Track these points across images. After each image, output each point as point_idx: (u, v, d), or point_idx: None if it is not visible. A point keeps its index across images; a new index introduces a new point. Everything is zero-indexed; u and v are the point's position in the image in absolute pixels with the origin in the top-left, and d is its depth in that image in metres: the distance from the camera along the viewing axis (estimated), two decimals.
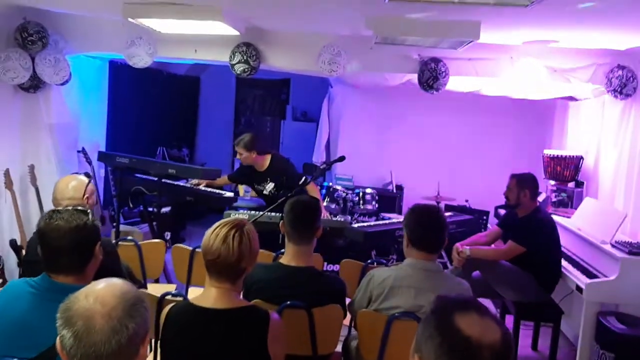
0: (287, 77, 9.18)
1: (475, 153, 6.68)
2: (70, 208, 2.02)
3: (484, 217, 6.35)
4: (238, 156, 4.59)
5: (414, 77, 4.63)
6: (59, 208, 2.03)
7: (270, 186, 4.66)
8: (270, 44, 4.58)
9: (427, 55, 4.49)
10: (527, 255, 3.81)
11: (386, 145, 6.79)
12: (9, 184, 4.37)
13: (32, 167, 4.65)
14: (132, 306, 1.29)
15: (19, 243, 4.17)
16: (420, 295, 2.41)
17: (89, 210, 2.03)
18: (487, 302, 4.72)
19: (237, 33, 4.05)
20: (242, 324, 1.89)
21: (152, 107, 7.81)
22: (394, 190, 6.52)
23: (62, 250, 1.89)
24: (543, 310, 3.88)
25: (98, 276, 2.59)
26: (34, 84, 4.53)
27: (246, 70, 4.48)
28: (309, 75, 5.49)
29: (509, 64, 4.48)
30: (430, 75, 4.39)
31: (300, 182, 4.22)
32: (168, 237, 6.10)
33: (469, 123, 6.65)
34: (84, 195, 2.73)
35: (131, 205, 5.82)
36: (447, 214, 5.27)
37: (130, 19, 3.68)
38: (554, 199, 4.85)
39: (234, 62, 4.48)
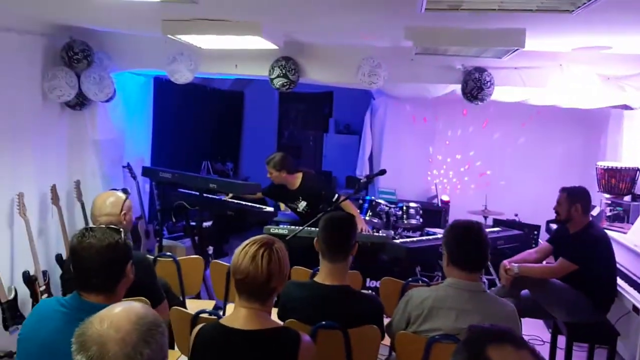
0: (330, 91, 9.16)
1: (525, 165, 6.45)
2: (103, 226, 2.01)
3: (535, 232, 6.09)
4: (269, 175, 4.55)
5: (459, 88, 4.50)
6: (93, 226, 2.02)
7: (302, 204, 4.60)
8: (309, 58, 4.56)
9: (471, 64, 4.36)
10: (579, 274, 3.60)
11: (431, 157, 6.65)
12: (55, 200, 4.47)
13: (78, 183, 4.75)
14: (148, 331, 1.24)
15: (64, 258, 4.25)
16: (461, 317, 2.28)
17: (121, 229, 2.01)
18: (538, 322, 4.53)
19: (275, 47, 4.04)
20: (273, 346, 1.82)
21: (196, 122, 7.92)
22: (439, 204, 6.36)
23: (93, 269, 1.87)
24: (597, 331, 3.64)
25: (132, 292, 2.60)
26: (80, 102, 4.64)
27: (285, 84, 4.46)
28: (351, 87, 5.44)
29: (559, 72, 4.30)
30: (475, 86, 4.25)
31: (334, 200, 4.13)
32: (210, 252, 6.16)
33: (517, 134, 6.43)
34: (121, 212, 2.74)
35: (174, 220, 5.88)
36: (495, 229, 5.07)
37: (169, 36, 3.71)
38: (608, 213, 4.60)
39: (273, 77, 4.47)
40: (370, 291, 3.62)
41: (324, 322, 2.35)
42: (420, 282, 3.21)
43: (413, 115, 6.60)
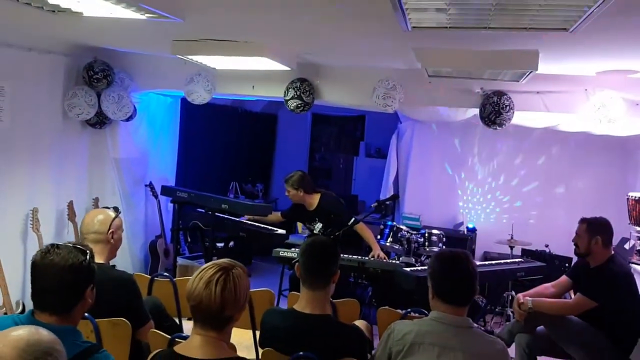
0: (362, 114, 9.10)
1: (557, 194, 6.17)
2: (70, 244, 1.96)
3: (566, 264, 5.79)
4: (287, 193, 4.52)
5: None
6: (59, 243, 1.97)
7: (318, 226, 4.53)
8: (324, 79, 4.52)
9: (490, 88, 4.21)
10: (599, 311, 3.35)
11: (458, 183, 6.45)
12: (71, 216, 4.53)
13: (96, 200, 4.82)
14: None
15: None
16: (444, 354, 2.12)
17: (88, 250, 1.94)
18: None
19: (287, 68, 4.01)
20: None
21: (226, 143, 7.98)
22: (465, 232, 6.14)
23: (51, 289, 1.82)
24: None
25: (114, 313, 2.57)
26: (100, 120, 4.73)
27: (299, 106, 4.42)
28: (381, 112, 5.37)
29: (584, 97, 4.09)
30: (493, 110, 4.09)
31: (350, 223, 4.03)
32: None
33: (548, 161, 6.17)
34: (109, 230, 2.71)
35: (189, 240, 5.88)
36: (516, 260, 4.84)
37: (179, 56, 3.74)
38: (639, 247, 4.30)
39: (287, 98, 4.45)
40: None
41: (301, 353, 2.24)
42: (419, 313, 3.04)
43: (440, 139, 6.44)
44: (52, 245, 1.93)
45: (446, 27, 2.35)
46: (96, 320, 2.51)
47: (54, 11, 2.54)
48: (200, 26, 3.23)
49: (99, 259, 2.71)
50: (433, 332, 2.17)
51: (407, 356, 2.17)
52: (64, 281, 1.83)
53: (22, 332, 1.25)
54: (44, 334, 1.28)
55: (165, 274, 3.45)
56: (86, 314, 2.45)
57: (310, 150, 9.60)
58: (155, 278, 3.35)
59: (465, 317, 2.21)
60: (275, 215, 4.87)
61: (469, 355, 2.10)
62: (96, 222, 2.71)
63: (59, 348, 1.26)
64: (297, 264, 2.38)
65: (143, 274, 3.39)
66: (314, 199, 4.54)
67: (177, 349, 1.80)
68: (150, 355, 1.84)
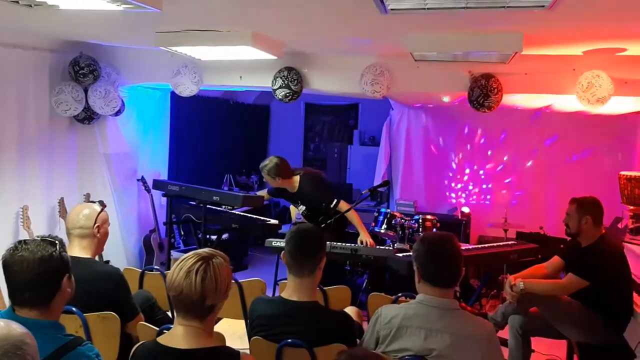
0: (356, 102, 9.08)
1: (550, 176, 6.16)
2: (38, 238, 1.92)
3: (561, 246, 5.79)
4: (265, 180, 4.49)
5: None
6: (27, 239, 1.93)
7: (302, 208, 4.50)
8: (313, 68, 4.49)
9: (478, 71, 4.18)
10: (591, 290, 3.35)
11: (451, 169, 6.44)
12: (63, 212, 4.52)
13: (87, 196, 4.81)
14: (3, 355, 1.18)
15: None
16: (431, 337, 2.12)
17: (57, 241, 1.91)
18: (556, 341, 4.24)
19: (274, 58, 3.98)
20: None
21: (219, 135, 7.96)
22: (460, 217, 6.14)
23: (25, 284, 1.80)
24: (611, 353, 3.37)
25: (102, 307, 2.56)
26: (88, 116, 4.70)
27: (288, 95, 4.40)
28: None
29: (572, 77, 4.06)
30: (481, 93, 4.07)
31: (332, 205, 4.01)
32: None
33: (541, 142, 6.15)
34: (94, 224, 2.70)
35: (182, 233, 5.88)
36: (509, 242, 4.83)
37: (163, 48, 3.71)
38: (631, 226, 4.30)
39: (275, 88, 4.42)
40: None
41: (289, 340, 2.24)
42: (410, 298, 3.04)
43: (432, 125, 6.42)
44: (20, 241, 1.90)
45: (424, 9, 2.32)
46: (85, 314, 2.51)
47: (30, 5, 2.51)
48: (182, 16, 3.20)
49: (85, 254, 2.71)
50: (419, 315, 2.17)
51: (395, 340, 2.17)
52: (37, 275, 1.81)
53: None
54: (14, 327, 1.27)
55: (156, 267, 3.44)
56: (74, 309, 2.45)
57: (305, 140, 9.58)
58: (146, 272, 3.35)
59: (451, 299, 2.21)
60: (264, 193, 4.86)
61: (456, 336, 2.10)
62: (82, 217, 2.70)
63: (29, 341, 1.25)
64: (283, 252, 2.38)
65: (134, 268, 3.38)
66: (294, 182, 4.48)
67: (161, 339, 1.80)
68: (134, 347, 1.84)
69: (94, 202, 2.91)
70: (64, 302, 1.90)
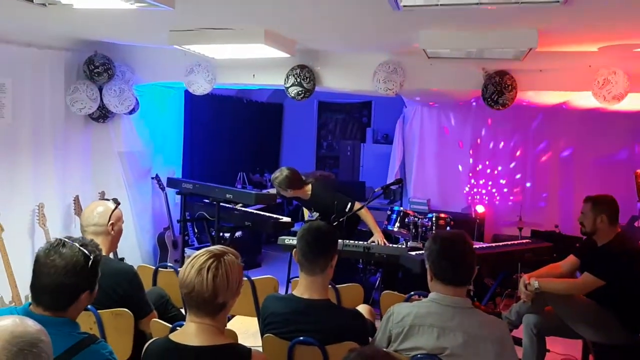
0: (369, 100, 9.06)
1: (566, 174, 6.09)
2: (78, 244, 1.88)
3: (577, 245, 5.73)
4: (277, 191, 4.50)
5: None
6: (67, 240, 1.92)
7: (316, 215, 4.51)
8: (325, 65, 4.48)
9: (492, 68, 4.15)
10: (607, 290, 3.31)
11: (465, 167, 6.39)
12: (78, 210, 4.56)
13: (102, 194, 4.84)
14: (19, 352, 1.18)
15: None
16: (444, 335, 2.11)
17: (97, 252, 1.90)
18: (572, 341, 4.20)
19: (287, 56, 3.98)
20: None
21: (232, 134, 7.99)
22: (473, 216, 6.09)
23: (46, 287, 1.80)
24: (627, 353, 3.33)
25: (116, 304, 2.58)
26: (103, 114, 4.74)
27: (300, 93, 4.39)
28: (388, 96, 5.32)
29: (588, 74, 4.01)
30: (495, 90, 4.04)
31: (347, 210, 4.01)
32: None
33: (558, 140, 6.08)
34: (109, 222, 2.72)
35: (196, 230, 5.90)
36: (523, 241, 4.80)
37: (177, 47, 3.73)
38: None
39: (288, 86, 4.42)
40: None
41: (301, 338, 2.25)
42: (423, 296, 3.02)
43: (447, 122, 6.38)
44: (60, 241, 1.88)
45: (437, 5, 2.31)
46: (99, 311, 2.54)
47: (44, 4, 2.53)
48: (195, 15, 3.21)
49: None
50: (432, 314, 2.16)
51: (407, 338, 2.17)
52: (60, 284, 1.80)
53: (6, 323, 1.26)
54: (29, 324, 1.28)
55: (169, 264, 3.47)
56: (88, 306, 2.47)
57: (318, 138, 9.58)
58: (160, 269, 3.37)
59: (464, 297, 2.19)
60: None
61: (469, 335, 2.09)
62: (96, 215, 2.72)
63: (45, 339, 1.26)
64: (294, 250, 2.37)
65: (147, 265, 3.41)
66: (307, 191, 4.49)
67: (173, 336, 1.81)
68: (147, 344, 1.85)
69: (108, 199, 2.92)
70: (80, 310, 1.90)
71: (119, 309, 2.56)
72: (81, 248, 1.87)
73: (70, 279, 1.82)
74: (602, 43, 3.55)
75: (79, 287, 1.85)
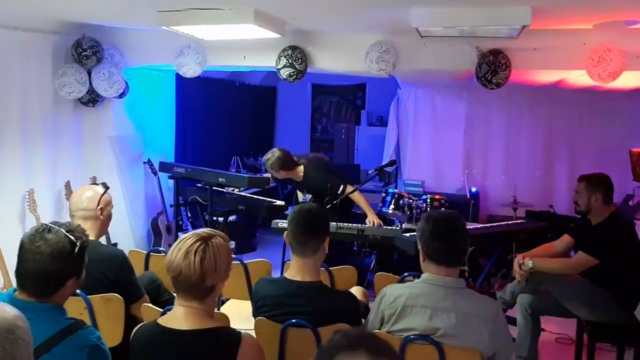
0: (363, 82, 8.99)
1: (561, 154, 6.07)
2: (63, 229, 1.84)
3: (572, 224, 5.73)
4: (269, 172, 4.46)
5: None
6: (52, 226, 1.87)
7: (309, 197, 4.48)
8: (317, 46, 4.42)
9: (486, 47, 4.09)
10: (601, 268, 3.30)
11: (459, 147, 6.36)
12: (69, 196, 4.51)
13: (94, 179, 4.79)
14: None
15: None
16: (437, 316, 2.09)
17: (82, 238, 1.87)
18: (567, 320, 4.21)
19: (278, 36, 3.92)
20: (209, 347, 1.71)
21: (225, 117, 7.92)
22: (468, 196, 6.08)
23: (30, 273, 1.77)
24: (622, 331, 3.33)
25: (106, 289, 2.56)
26: (93, 98, 4.67)
27: (292, 74, 4.34)
28: (382, 78, 5.26)
29: (583, 51, 3.96)
30: (489, 69, 3.99)
31: (339, 192, 3.98)
32: (232, 247, 6.13)
33: (552, 119, 6.06)
34: (97, 206, 2.68)
35: (189, 215, 5.87)
36: (517, 221, 4.78)
37: (164, 27, 3.66)
38: None
39: (279, 67, 4.36)
40: None
41: (293, 320, 2.23)
42: (416, 278, 3.01)
43: (441, 103, 6.34)
44: (45, 227, 1.84)
45: None
46: (89, 296, 2.51)
47: None
48: None
49: (89, 236, 2.69)
50: (424, 294, 2.14)
51: (400, 319, 2.15)
52: (45, 270, 1.77)
53: None
54: (6, 310, 1.25)
55: (161, 248, 3.44)
56: (78, 291, 2.44)
57: (312, 121, 9.52)
58: (152, 253, 3.34)
59: (457, 277, 2.17)
60: (270, 175, 4.83)
61: (461, 315, 2.08)
62: (84, 199, 2.68)
63: (22, 325, 1.23)
64: (285, 232, 2.35)
65: (139, 250, 3.38)
66: (299, 172, 4.46)
67: (161, 320, 1.79)
68: (135, 329, 1.82)
69: (97, 184, 2.88)
70: (67, 297, 1.87)
71: (109, 294, 2.54)
72: (67, 234, 1.84)
73: (55, 266, 1.78)
74: (597, 20, 3.51)
75: (64, 274, 1.81)
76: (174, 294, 3.26)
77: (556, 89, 5.31)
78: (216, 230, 1.83)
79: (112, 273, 2.57)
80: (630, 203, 4.85)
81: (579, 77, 4.57)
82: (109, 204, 2.77)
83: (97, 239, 2.74)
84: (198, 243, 1.73)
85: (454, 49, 4.18)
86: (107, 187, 2.79)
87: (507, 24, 3.15)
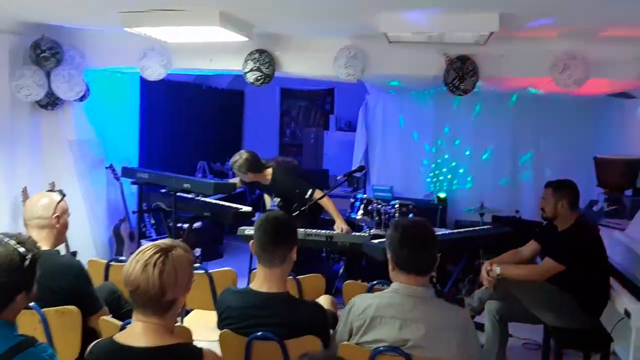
0: (332, 87, 8.97)
1: (527, 159, 6.13)
2: (13, 241, 1.74)
3: (537, 230, 5.79)
4: (237, 175, 4.39)
5: None
6: (1, 236, 1.75)
7: (277, 200, 4.41)
8: (285, 50, 4.36)
9: (454, 53, 4.09)
10: (568, 275, 3.32)
11: (427, 153, 6.37)
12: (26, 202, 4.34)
13: (53, 185, 4.61)
14: None
15: None
16: (406, 327, 2.05)
17: (34, 251, 1.76)
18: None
19: (244, 39, 3.84)
20: None
21: (192, 121, 7.78)
22: (436, 202, 6.09)
23: None
24: (588, 337, 3.36)
25: (62, 300, 2.44)
26: (52, 101, 4.51)
27: (259, 78, 4.26)
28: (351, 83, 5.22)
29: (548, 59, 3.99)
30: (456, 76, 3.99)
31: (307, 197, 3.93)
32: (198, 254, 6.00)
33: (519, 125, 6.11)
34: (53, 214, 2.56)
35: (153, 221, 5.73)
36: (484, 227, 4.81)
37: (128, 29, 3.55)
38: (606, 209, 4.29)
39: (246, 71, 4.29)
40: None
41: (259, 333, 2.15)
42: (385, 285, 2.96)
43: (409, 109, 6.34)
44: None
45: None
46: (44, 309, 2.39)
47: None
48: None
49: (45, 246, 2.56)
50: (394, 305, 2.09)
51: (369, 330, 2.10)
52: None
53: None
54: None
55: (122, 257, 3.31)
56: (32, 304, 2.32)
57: (280, 125, 9.46)
58: (112, 262, 3.21)
59: (426, 287, 2.13)
60: (237, 181, 4.73)
61: (431, 326, 2.04)
62: (39, 207, 2.56)
63: None
64: (252, 241, 2.27)
65: (98, 259, 3.25)
66: (267, 175, 4.40)
67: (118, 337, 1.69)
68: (90, 346, 1.72)
69: (55, 190, 2.76)
70: (17, 312, 1.76)
71: (65, 306, 2.42)
72: (17, 246, 1.73)
73: (3, 281, 1.68)
74: (563, 28, 3.54)
75: (14, 288, 1.71)
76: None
77: (522, 94, 5.37)
78: (177, 241, 1.74)
79: (68, 284, 2.45)
80: (594, 208, 4.90)
81: (544, 84, 4.62)
82: (65, 211, 2.65)
83: (53, 248, 2.62)
84: (157, 255, 1.64)
85: (422, 54, 4.16)
86: (63, 195, 2.67)
87: (475, 30, 3.15)
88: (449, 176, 6.36)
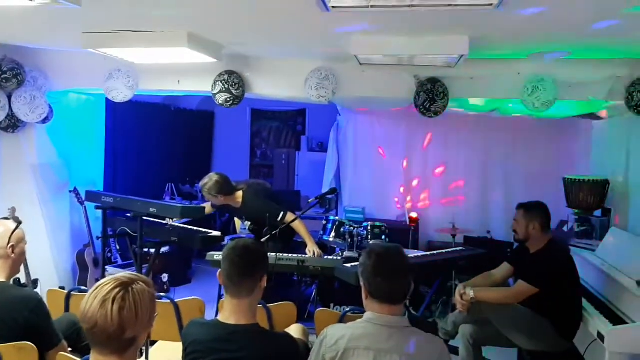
0: (303, 108, 8.94)
1: (497, 180, 6.16)
2: None
3: (508, 250, 5.81)
4: (207, 199, 4.30)
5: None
6: None
7: (247, 224, 4.32)
8: (255, 71, 4.30)
9: (425, 75, 4.10)
10: (541, 297, 3.30)
11: (399, 174, 6.36)
12: None
13: (13, 210, 4.41)
14: None
15: None
16: (380, 358, 1.96)
17: None
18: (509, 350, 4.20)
19: (213, 60, 3.77)
20: None
21: (159, 143, 7.66)
22: (408, 223, 6.06)
23: None
24: (562, 359, 3.34)
25: (18, 336, 2.30)
26: (13, 123, 4.36)
27: (228, 100, 4.19)
28: (322, 104, 5.18)
29: (517, 81, 4.03)
30: (427, 98, 3.98)
31: (279, 219, 3.85)
32: (166, 279, 5.84)
33: (489, 147, 6.14)
34: (8, 244, 2.43)
35: (119, 247, 5.56)
36: (458, 248, 4.78)
37: (91, 50, 3.45)
38: (576, 229, 4.31)
39: (215, 92, 4.21)
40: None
41: None
42: (358, 312, 2.89)
43: (380, 130, 6.33)
44: None
45: (367, 6, 2.19)
46: None
47: None
48: (111, 16, 2.96)
49: None
50: (367, 335, 2.02)
51: None
52: None
53: None
54: None
55: (83, 288, 3.17)
56: None
57: (251, 146, 9.38)
58: (73, 292, 3.07)
59: (400, 316, 2.06)
60: (207, 206, 4.62)
61: (406, 357, 1.96)
62: None
63: None
64: (219, 271, 2.17)
65: (58, 289, 3.10)
66: (237, 198, 4.30)
67: None
68: None
69: (8, 218, 2.62)
70: None
71: (21, 342, 2.28)
72: None
73: None
74: (531, 50, 3.57)
75: None
76: None
77: (491, 117, 5.41)
78: (138, 275, 1.64)
79: (23, 318, 2.32)
80: (565, 229, 4.94)
81: (513, 107, 4.67)
82: (21, 240, 2.52)
83: (9, 279, 2.49)
84: (117, 290, 1.53)
85: (393, 77, 4.16)
86: (19, 222, 2.54)
87: (445, 52, 3.15)
88: (422, 196, 6.34)
